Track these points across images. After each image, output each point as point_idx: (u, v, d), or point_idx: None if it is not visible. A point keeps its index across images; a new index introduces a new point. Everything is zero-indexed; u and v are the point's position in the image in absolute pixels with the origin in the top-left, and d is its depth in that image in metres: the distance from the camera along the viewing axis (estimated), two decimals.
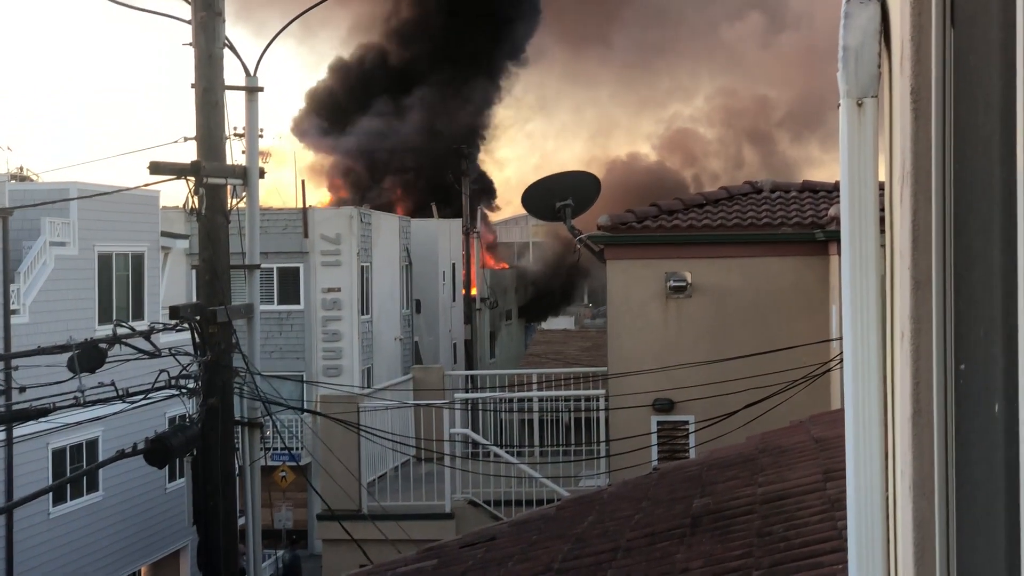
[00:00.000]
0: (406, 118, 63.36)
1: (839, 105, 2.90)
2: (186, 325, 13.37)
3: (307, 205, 42.02)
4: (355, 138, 63.91)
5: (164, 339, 15.20)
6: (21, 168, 44.14)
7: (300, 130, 66.94)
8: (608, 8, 72.55)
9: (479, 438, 19.17)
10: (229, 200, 13.91)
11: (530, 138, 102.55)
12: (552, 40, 75.09)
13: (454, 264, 51.96)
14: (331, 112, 65.48)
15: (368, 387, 32.55)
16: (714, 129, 79.65)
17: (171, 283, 35.82)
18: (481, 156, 68.05)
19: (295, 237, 40.21)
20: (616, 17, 74.46)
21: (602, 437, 19.30)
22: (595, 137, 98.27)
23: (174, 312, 13.44)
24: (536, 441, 20.59)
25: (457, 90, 64.86)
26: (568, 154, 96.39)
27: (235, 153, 14.43)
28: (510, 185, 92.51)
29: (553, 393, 21.52)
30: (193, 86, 13.85)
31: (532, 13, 68.40)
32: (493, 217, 67.80)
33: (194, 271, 28.02)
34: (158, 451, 12.78)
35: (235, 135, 15.69)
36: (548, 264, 63.58)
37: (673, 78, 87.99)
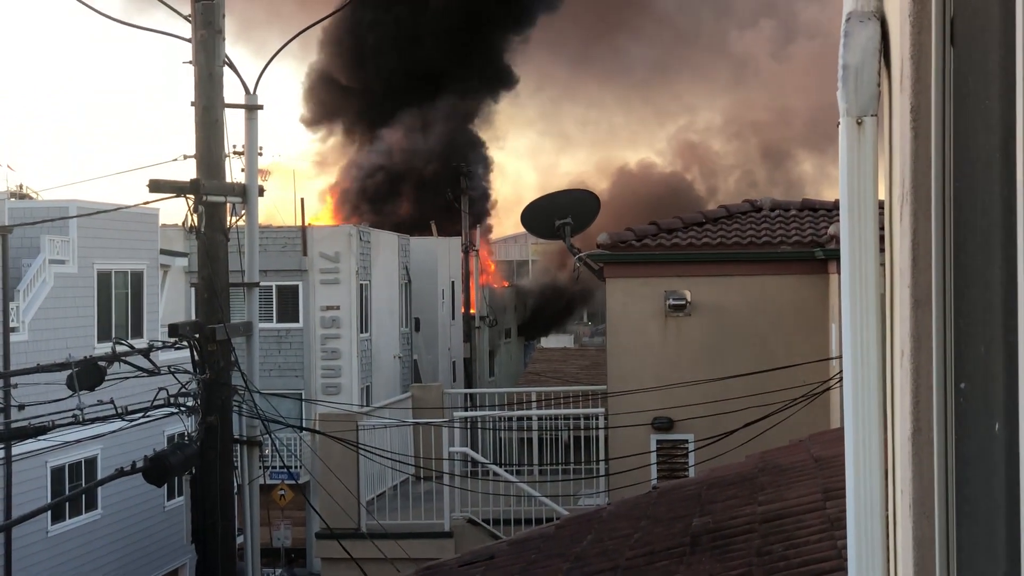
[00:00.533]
0: (409, 129, 63.13)
1: (839, 123, 2.91)
2: (185, 343, 13.36)
3: (306, 223, 42.04)
4: (357, 150, 63.87)
5: (163, 357, 15.19)
6: (21, 186, 44.13)
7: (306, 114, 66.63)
8: (621, 16, 71.96)
9: (478, 456, 19.14)
10: (228, 218, 13.91)
11: (537, 143, 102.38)
12: (558, 50, 74.62)
13: (453, 282, 51.95)
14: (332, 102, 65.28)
15: (367, 405, 32.55)
16: (729, 143, 79.38)
17: (170, 301, 35.81)
18: (487, 155, 67.66)
19: (294, 255, 40.21)
20: (628, 25, 73.80)
21: (601, 456, 19.28)
22: (602, 146, 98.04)
23: (173, 330, 13.43)
24: (535, 459, 20.56)
25: (460, 99, 64.55)
26: (574, 162, 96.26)
27: (235, 171, 14.43)
28: (521, 182, 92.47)
29: (552, 411, 21.52)
30: (193, 104, 13.87)
31: (542, 15, 67.86)
32: (492, 223, 67.54)
33: (193, 289, 28.01)
34: (157, 469, 12.76)
35: (235, 153, 15.69)
36: (547, 281, 63.49)
37: (687, 89, 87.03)
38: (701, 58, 77.75)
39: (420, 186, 61.04)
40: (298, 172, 65.04)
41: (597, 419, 19.54)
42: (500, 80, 67.79)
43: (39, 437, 13.28)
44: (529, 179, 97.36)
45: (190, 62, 13.89)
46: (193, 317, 14.97)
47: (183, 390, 13.36)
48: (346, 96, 65.41)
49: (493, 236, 67.75)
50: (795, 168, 72.91)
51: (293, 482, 32.47)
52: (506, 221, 70.77)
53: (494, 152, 69.38)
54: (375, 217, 58.37)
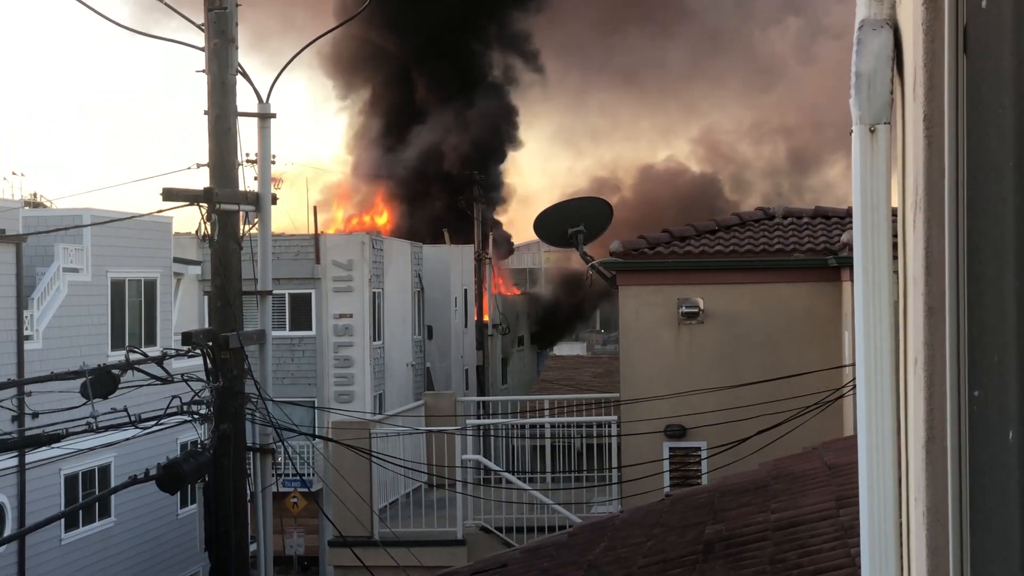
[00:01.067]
0: (427, 131, 62.96)
1: (851, 131, 2.91)
2: (198, 351, 13.38)
3: (319, 231, 42.10)
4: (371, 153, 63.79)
5: (176, 365, 15.21)
6: (35, 195, 44.33)
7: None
8: (642, 12, 71.13)
9: (491, 464, 19.13)
10: (241, 226, 13.94)
11: (556, 143, 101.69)
12: (581, 49, 73.87)
13: (466, 290, 51.96)
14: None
15: (380, 413, 32.54)
16: (756, 146, 78.61)
17: (183, 309, 35.87)
18: (506, 162, 67.37)
19: (307, 263, 40.25)
20: (651, 23, 72.87)
21: (614, 463, 19.26)
22: (623, 148, 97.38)
23: (186, 338, 13.46)
24: (548, 467, 20.55)
25: (477, 99, 64.29)
26: (592, 164, 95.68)
27: (247, 179, 14.46)
28: (538, 185, 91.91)
29: (565, 419, 21.50)
30: (206, 113, 13.90)
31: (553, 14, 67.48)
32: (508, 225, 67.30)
33: (206, 297, 28.04)
34: (170, 477, 12.78)
35: (248, 161, 15.70)
36: (559, 287, 63.36)
37: (712, 90, 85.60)
38: (727, 57, 76.67)
39: (438, 190, 60.86)
40: (317, 176, 64.94)
41: (610, 426, 19.53)
42: (525, 61, 67.25)
43: (53, 445, 13.31)
44: (546, 182, 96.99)
45: (203, 71, 13.92)
46: (206, 325, 15.00)
47: (196, 398, 13.38)
48: (364, 88, 65.32)
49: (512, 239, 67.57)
50: (827, 171, 72.27)
51: (306, 490, 32.47)
52: (520, 229, 70.64)
53: (515, 152, 69.06)
54: (407, 219, 58.40)
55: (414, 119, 63.34)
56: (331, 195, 63.42)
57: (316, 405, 36.46)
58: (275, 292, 16.65)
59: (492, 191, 61.23)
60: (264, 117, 14.74)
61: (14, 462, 26.15)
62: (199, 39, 14.03)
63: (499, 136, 65.33)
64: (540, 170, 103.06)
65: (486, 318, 51.71)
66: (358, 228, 54.13)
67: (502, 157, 66.19)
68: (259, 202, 14.30)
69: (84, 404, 12.59)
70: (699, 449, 18.90)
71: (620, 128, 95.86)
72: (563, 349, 62.94)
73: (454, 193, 55.73)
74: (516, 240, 69.59)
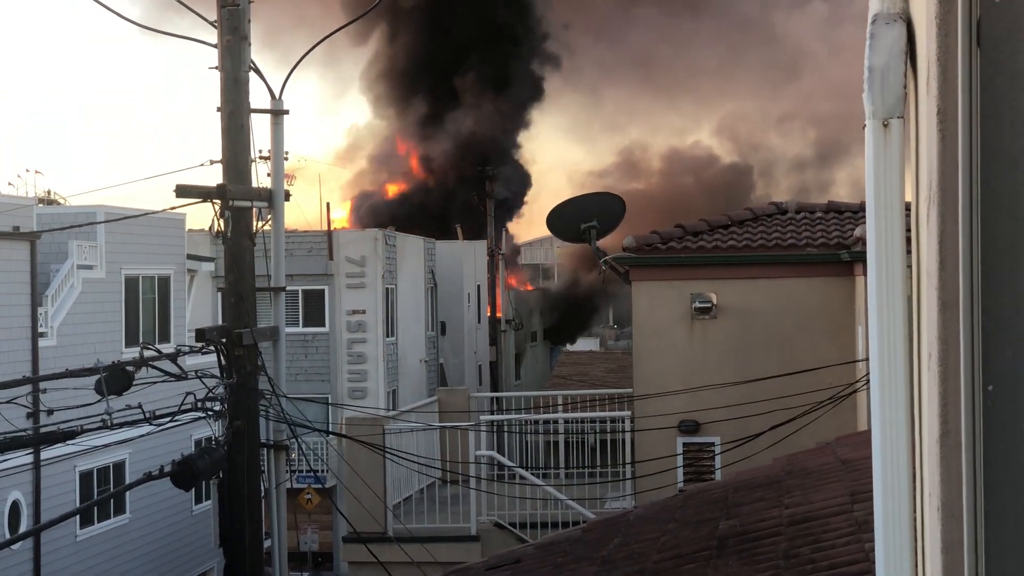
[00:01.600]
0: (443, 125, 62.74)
1: (864, 126, 2.90)
2: (212, 348, 13.40)
3: (332, 227, 42.13)
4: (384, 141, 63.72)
5: (190, 362, 15.23)
6: (49, 192, 44.42)
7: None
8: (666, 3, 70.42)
9: (504, 460, 19.15)
10: (255, 223, 13.95)
11: (573, 136, 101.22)
12: (600, 36, 73.24)
13: (479, 286, 51.96)
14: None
15: (393, 409, 32.56)
16: (780, 138, 78.05)
17: (197, 306, 35.92)
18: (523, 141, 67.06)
19: (320, 259, 40.29)
20: (670, 10, 72.02)
21: (628, 459, 19.26)
22: (639, 137, 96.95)
23: (200, 335, 13.47)
24: (562, 463, 20.56)
25: (497, 87, 63.85)
26: (605, 157, 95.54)
27: (260, 176, 14.47)
28: (555, 172, 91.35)
29: (579, 415, 21.50)
30: (219, 109, 13.91)
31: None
32: (518, 232, 67.10)
33: (220, 294, 28.12)
34: (185, 474, 12.80)
35: (260, 158, 15.70)
36: (572, 283, 63.27)
37: (734, 79, 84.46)
38: (752, 46, 75.76)
39: (457, 179, 60.67)
40: (330, 170, 64.91)
41: (623, 422, 19.53)
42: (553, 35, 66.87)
43: (68, 442, 13.34)
44: (564, 174, 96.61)
45: (216, 67, 13.93)
46: (220, 322, 15.01)
47: (210, 395, 13.40)
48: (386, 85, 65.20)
49: (522, 237, 67.45)
50: (857, 162, 71.87)
51: (320, 486, 32.54)
52: (535, 224, 70.46)
53: (529, 143, 68.78)
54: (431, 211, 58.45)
55: (440, 99, 62.98)
56: (359, 166, 63.28)
57: (330, 401, 36.55)
58: (288, 288, 16.68)
59: (510, 174, 61.00)
60: (277, 113, 14.75)
61: (29, 459, 26.21)
62: (212, 36, 14.04)
63: (521, 111, 64.96)
64: (558, 158, 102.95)
65: (499, 314, 51.71)
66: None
67: (526, 124, 65.79)
68: (272, 198, 14.31)
69: (99, 401, 12.61)
70: (713, 444, 18.90)
71: (640, 117, 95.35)
72: (576, 345, 62.91)
73: (470, 184, 55.57)
74: (530, 235, 69.51)
